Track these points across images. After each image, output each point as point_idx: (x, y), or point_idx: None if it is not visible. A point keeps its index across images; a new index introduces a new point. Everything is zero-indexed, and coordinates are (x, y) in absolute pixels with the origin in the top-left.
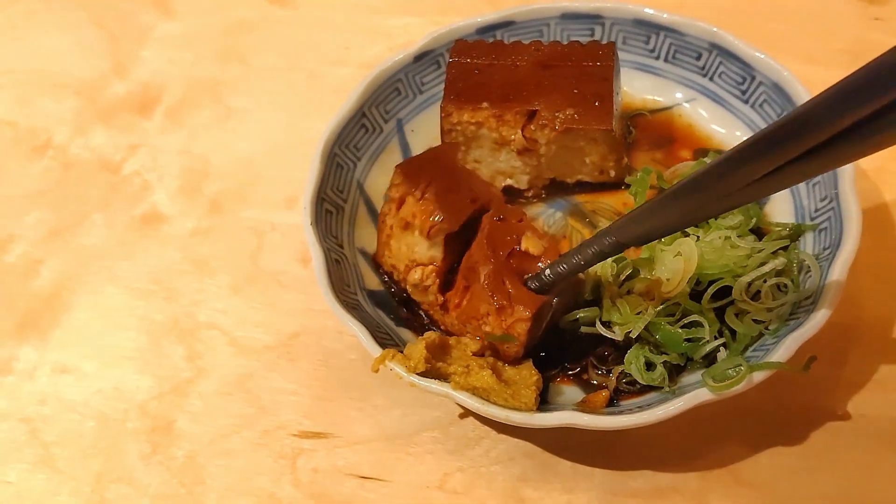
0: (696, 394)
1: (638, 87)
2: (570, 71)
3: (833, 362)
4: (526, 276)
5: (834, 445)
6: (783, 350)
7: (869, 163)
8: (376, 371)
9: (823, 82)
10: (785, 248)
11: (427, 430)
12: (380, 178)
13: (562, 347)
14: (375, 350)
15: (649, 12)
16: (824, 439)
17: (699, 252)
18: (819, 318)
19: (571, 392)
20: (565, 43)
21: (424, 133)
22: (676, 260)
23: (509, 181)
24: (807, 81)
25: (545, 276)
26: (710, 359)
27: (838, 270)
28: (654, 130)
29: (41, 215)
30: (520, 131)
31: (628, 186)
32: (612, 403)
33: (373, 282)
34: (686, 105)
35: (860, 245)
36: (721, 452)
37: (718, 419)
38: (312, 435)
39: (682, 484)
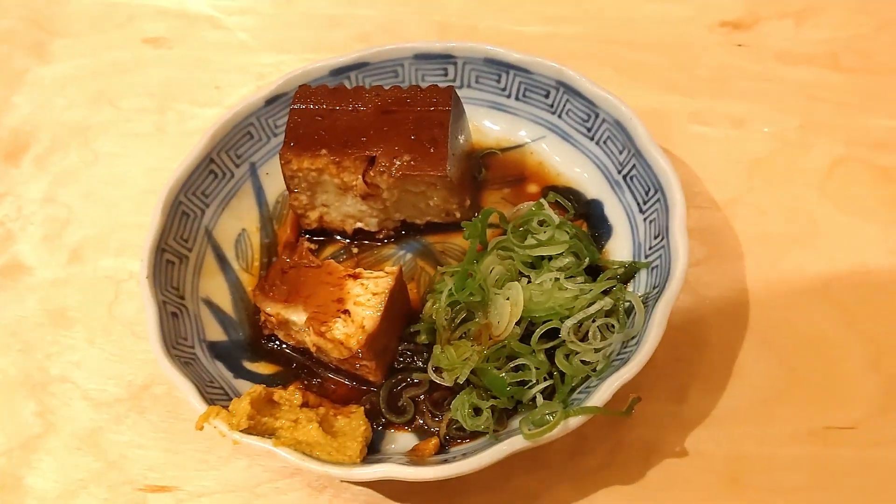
0: (513, 441)
1: (491, 126)
2: (408, 116)
3: (673, 399)
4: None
5: (670, 483)
6: (600, 393)
7: (723, 194)
8: (200, 429)
9: (688, 111)
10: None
11: (270, 481)
12: (230, 224)
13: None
14: (201, 407)
15: (497, 51)
16: (661, 477)
17: (528, 295)
18: (639, 360)
19: (405, 439)
20: (407, 87)
21: (280, 176)
22: (505, 304)
23: (359, 224)
24: (671, 110)
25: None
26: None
27: (661, 311)
28: (505, 168)
29: None
30: (360, 177)
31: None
32: (444, 450)
33: (215, 332)
34: (537, 142)
35: (709, 280)
36: (559, 491)
37: (558, 457)
38: (157, 489)
39: None
